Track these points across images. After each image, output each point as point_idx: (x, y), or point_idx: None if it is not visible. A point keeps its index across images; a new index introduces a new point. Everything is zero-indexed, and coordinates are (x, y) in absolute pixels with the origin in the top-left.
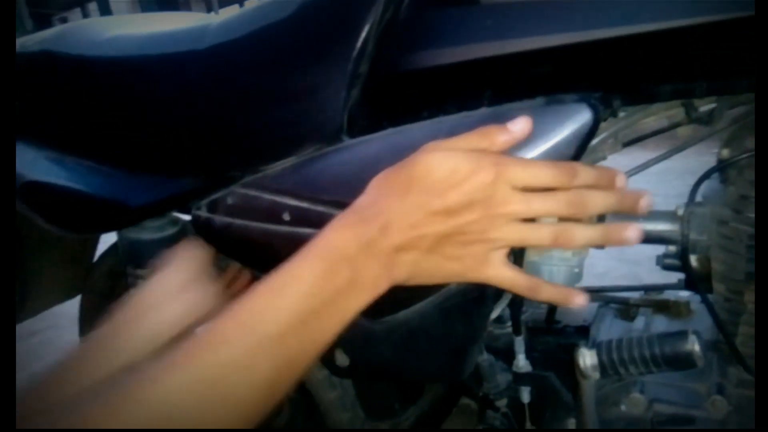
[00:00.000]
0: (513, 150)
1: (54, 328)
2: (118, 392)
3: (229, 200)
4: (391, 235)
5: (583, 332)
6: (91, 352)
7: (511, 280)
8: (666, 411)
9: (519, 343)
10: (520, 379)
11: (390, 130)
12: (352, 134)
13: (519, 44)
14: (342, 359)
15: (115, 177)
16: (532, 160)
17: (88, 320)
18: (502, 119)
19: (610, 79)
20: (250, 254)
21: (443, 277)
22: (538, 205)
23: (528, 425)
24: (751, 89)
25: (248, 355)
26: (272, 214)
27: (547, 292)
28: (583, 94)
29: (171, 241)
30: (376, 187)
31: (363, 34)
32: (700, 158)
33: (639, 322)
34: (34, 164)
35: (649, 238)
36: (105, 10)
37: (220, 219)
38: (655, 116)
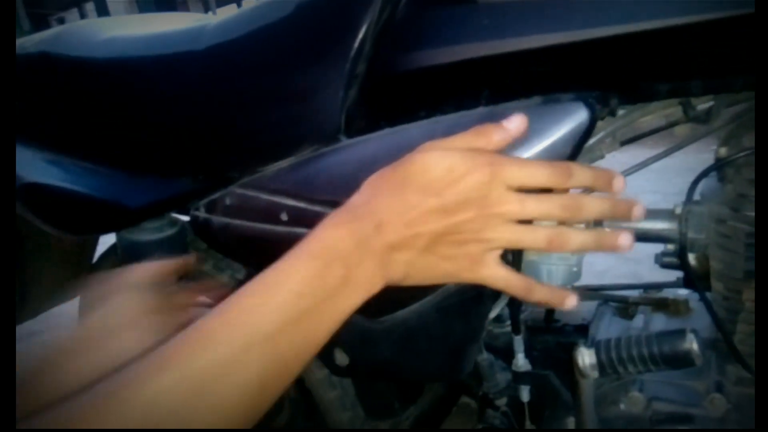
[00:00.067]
0: (510, 149)
1: (54, 328)
2: (104, 393)
3: (228, 201)
4: (386, 233)
5: (582, 331)
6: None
7: (506, 281)
8: (665, 409)
9: (518, 342)
10: (519, 378)
11: (387, 130)
12: (350, 134)
13: (516, 43)
14: (341, 358)
15: (113, 178)
16: (528, 159)
17: None
18: (499, 119)
19: (608, 78)
20: (249, 254)
21: (438, 277)
22: (533, 206)
23: (527, 424)
24: (748, 87)
25: (237, 356)
26: (270, 214)
27: (540, 294)
28: (580, 93)
29: (170, 242)
30: (370, 185)
31: (360, 35)
32: (699, 156)
33: (638, 321)
34: (33, 166)
35: (647, 237)
36: (102, 10)
37: (218, 219)
38: (652, 115)
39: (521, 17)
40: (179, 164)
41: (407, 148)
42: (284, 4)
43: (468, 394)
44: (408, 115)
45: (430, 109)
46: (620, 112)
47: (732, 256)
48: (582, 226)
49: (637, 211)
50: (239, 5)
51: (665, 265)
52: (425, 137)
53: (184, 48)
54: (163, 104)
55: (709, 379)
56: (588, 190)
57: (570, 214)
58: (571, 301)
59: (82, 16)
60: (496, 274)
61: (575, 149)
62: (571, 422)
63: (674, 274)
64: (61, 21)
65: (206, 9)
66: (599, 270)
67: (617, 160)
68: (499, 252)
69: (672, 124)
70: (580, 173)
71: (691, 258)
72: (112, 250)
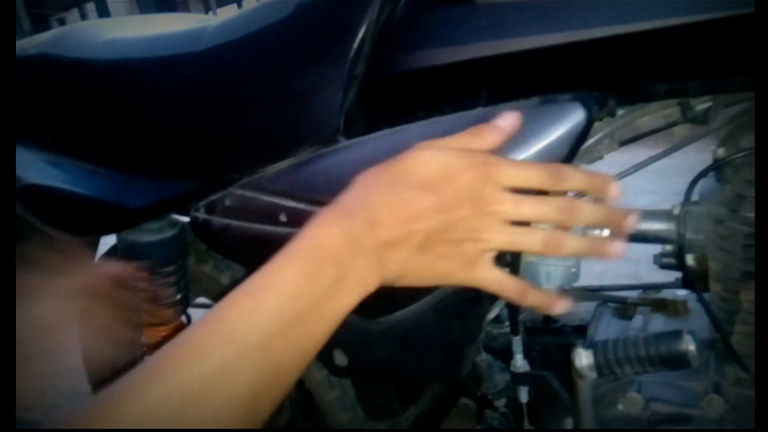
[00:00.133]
0: (507, 149)
1: None
2: (92, 409)
3: (227, 202)
4: (380, 230)
5: (580, 332)
6: None
7: (500, 284)
8: (663, 410)
9: (517, 342)
10: (518, 378)
11: (386, 131)
12: (349, 135)
13: (514, 44)
14: (341, 359)
15: (113, 179)
16: (522, 161)
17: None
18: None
19: (606, 79)
20: (249, 255)
21: (433, 277)
22: (527, 206)
23: (526, 425)
24: (747, 87)
25: (227, 367)
26: (270, 215)
27: (534, 298)
28: (578, 94)
29: (170, 243)
30: (361, 183)
31: (359, 35)
32: (698, 156)
33: (637, 321)
34: (33, 167)
35: (645, 238)
36: (103, 10)
37: (218, 220)
38: (651, 115)
39: (519, 18)
40: (179, 165)
41: (406, 148)
42: (284, 5)
43: (467, 394)
44: (407, 115)
45: (429, 109)
46: (619, 112)
47: (730, 257)
48: (579, 229)
49: (631, 221)
50: (240, 6)
51: (664, 266)
52: (424, 138)
53: (184, 49)
54: (163, 105)
55: (707, 379)
56: (584, 194)
57: (565, 217)
58: (561, 306)
59: (83, 16)
60: (491, 276)
61: (572, 150)
62: (569, 423)
63: (673, 275)
64: (62, 21)
65: (206, 9)
66: (598, 270)
67: (616, 160)
68: (495, 254)
69: (670, 125)
70: (574, 176)
71: (689, 258)
72: (112, 251)
